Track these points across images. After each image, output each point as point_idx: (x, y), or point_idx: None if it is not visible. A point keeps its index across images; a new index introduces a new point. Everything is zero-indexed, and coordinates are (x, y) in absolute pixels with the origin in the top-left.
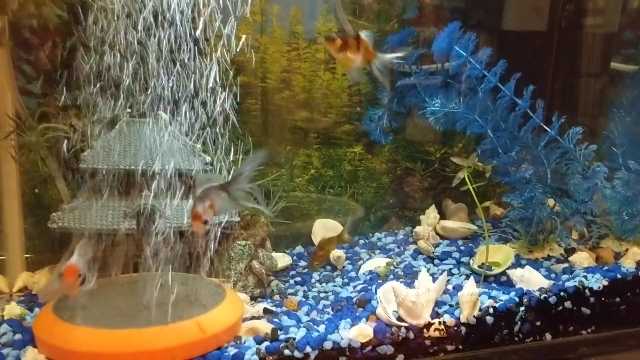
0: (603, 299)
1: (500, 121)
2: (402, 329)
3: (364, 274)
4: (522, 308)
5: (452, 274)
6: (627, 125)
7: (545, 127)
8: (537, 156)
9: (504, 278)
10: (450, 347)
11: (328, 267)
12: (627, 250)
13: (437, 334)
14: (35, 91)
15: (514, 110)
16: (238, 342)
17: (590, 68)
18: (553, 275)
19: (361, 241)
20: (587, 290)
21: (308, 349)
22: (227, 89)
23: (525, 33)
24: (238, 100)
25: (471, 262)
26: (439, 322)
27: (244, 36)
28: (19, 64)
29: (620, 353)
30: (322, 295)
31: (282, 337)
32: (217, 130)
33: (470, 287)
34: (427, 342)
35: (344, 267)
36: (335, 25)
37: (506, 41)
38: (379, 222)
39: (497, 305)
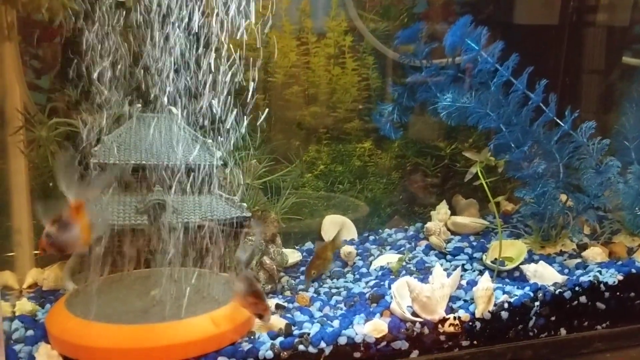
0: (618, 293)
1: (512, 115)
2: (417, 325)
3: (375, 269)
4: (536, 303)
5: (465, 270)
6: (639, 120)
7: (558, 121)
8: (550, 151)
9: (517, 273)
10: (465, 343)
11: (339, 263)
12: (639, 245)
13: (451, 329)
14: (45, 86)
15: (526, 104)
16: (252, 337)
17: (602, 62)
18: (566, 271)
19: (371, 237)
20: (602, 285)
21: (322, 345)
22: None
23: (537, 27)
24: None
25: (484, 257)
26: (454, 318)
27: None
28: (27, 59)
29: (636, 348)
30: (333, 291)
31: (296, 332)
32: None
33: (485, 282)
34: (442, 338)
35: (354, 263)
36: (344, 19)
37: (517, 35)
38: (389, 218)
39: (511, 300)
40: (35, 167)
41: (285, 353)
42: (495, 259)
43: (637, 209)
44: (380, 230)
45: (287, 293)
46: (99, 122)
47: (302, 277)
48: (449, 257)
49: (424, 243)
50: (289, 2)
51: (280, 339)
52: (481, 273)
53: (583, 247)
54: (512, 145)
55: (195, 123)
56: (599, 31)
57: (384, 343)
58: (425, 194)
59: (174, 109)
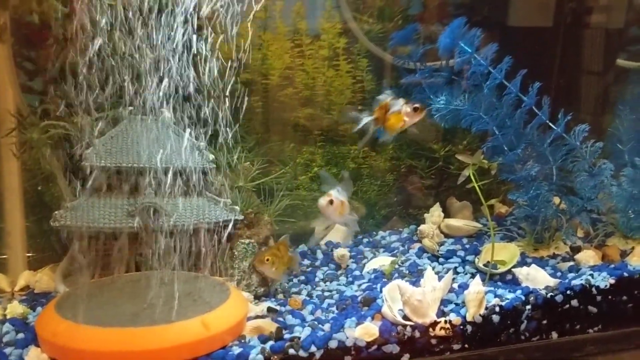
0: (610, 297)
1: (505, 118)
2: (408, 328)
3: (368, 272)
4: (528, 307)
5: (457, 273)
6: (633, 122)
7: (551, 124)
8: (543, 153)
9: (509, 277)
10: (456, 346)
11: (332, 266)
12: (633, 248)
13: (443, 332)
14: (37, 88)
15: (520, 107)
16: (242, 341)
17: (596, 65)
18: (559, 274)
19: (365, 239)
20: (593, 289)
21: (313, 348)
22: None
23: (531, 29)
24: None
25: (476, 260)
26: (445, 321)
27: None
28: (20, 61)
29: (628, 352)
30: (326, 294)
31: (286, 336)
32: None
33: (476, 286)
34: (433, 341)
35: (347, 265)
36: (338, 21)
37: (512, 37)
38: (383, 220)
39: (503, 303)
40: (27, 169)
41: (275, 357)
42: (488, 262)
43: (630, 211)
44: (374, 233)
45: (280, 296)
46: (91, 125)
47: (295, 280)
48: (441, 260)
49: (417, 246)
50: (283, 4)
51: (271, 342)
52: (473, 276)
53: (576, 249)
54: (506, 147)
55: (187, 125)
56: (593, 33)
57: (374, 347)
58: (419, 196)
59: (166, 112)
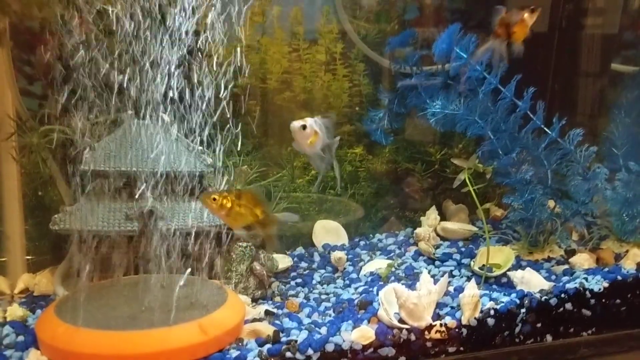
0: (604, 300)
1: (500, 122)
2: (404, 331)
3: (365, 275)
4: (522, 310)
5: (453, 276)
6: (627, 126)
7: (545, 129)
8: (538, 157)
9: (504, 280)
10: (451, 349)
11: (329, 269)
12: (627, 251)
13: (438, 335)
14: (37, 92)
15: (515, 111)
16: (240, 344)
17: (591, 69)
18: (553, 277)
19: (362, 242)
20: (587, 292)
21: (310, 351)
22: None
23: None
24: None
25: (472, 263)
26: (440, 324)
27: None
28: (19, 65)
29: (621, 354)
30: (323, 297)
31: (283, 339)
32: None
33: (471, 289)
34: (429, 344)
35: (344, 268)
36: (335, 26)
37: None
38: (380, 223)
39: (498, 307)
40: (27, 172)
41: None
42: (483, 265)
43: (624, 215)
44: (371, 235)
45: (277, 299)
46: (90, 129)
47: (292, 283)
48: (437, 263)
49: (413, 249)
50: (281, 10)
51: (268, 345)
52: (469, 279)
53: (571, 253)
54: (500, 151)
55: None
56: (588, 38)
57: (371, 350)
58: (416, 199)
59: (165, 116)
